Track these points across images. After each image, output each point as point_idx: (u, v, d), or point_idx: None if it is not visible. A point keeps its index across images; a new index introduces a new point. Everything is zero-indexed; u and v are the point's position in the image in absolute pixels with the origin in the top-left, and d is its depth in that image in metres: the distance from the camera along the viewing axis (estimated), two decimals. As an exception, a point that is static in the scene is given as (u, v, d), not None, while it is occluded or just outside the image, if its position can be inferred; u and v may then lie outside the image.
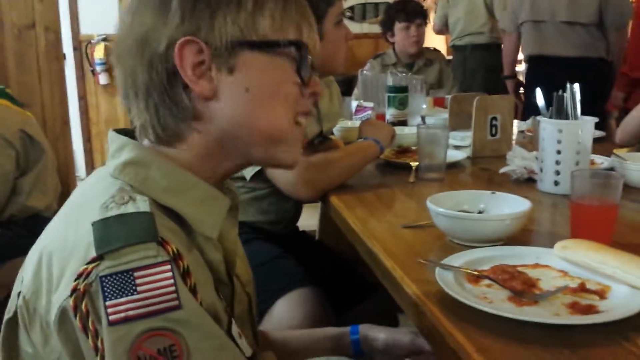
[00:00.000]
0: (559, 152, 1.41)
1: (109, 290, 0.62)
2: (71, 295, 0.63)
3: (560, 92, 1.41)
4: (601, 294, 0.85)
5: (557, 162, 1.41)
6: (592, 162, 1.62)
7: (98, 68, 5.36)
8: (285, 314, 1.50)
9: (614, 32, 3.24)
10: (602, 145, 1.88)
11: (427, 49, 3.57)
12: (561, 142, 1.40)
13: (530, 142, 2.06)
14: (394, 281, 0.99)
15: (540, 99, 1.55)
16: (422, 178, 1.60)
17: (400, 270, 1.00)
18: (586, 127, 1.42)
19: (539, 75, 3.35)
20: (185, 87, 0.75)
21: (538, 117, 1.54)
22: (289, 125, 0.81)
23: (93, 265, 0.63)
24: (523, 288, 0.87)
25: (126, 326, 0.61)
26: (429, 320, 0.84)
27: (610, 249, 0.93)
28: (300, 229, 2.02)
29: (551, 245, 0.99)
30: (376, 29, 4.27)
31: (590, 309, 0.81)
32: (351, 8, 5.96)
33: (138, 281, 0.62)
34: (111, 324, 0.61)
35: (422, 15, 3.40)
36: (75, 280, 0.63)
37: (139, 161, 0.75)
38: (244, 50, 0.75)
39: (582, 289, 0.86)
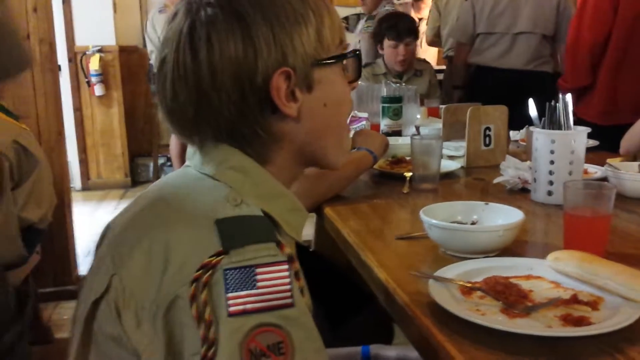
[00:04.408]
0: (552, 162, 1.41)
1: (231, 283, 0.65)
2: (191, 284, 0.65)
3: (553, 102, 1.42)
4: (593, 305, 0.85)
5: (551, 172, 1.41)
6: (586, 172, 1.63)
7: (93, 79, 5.35)
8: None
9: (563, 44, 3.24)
10: (596, 154, 1.88)
11: (417, 59, 3.55)
12: (554, 152, 1.40)
13: (524, 151, 2.06)
14: (387, 293, 0.99)
15: (532, 109, 1.56)
16: (417, 188, 1.60)
17: (394, 282, 0.99)
18: (579, 137, 1.43)
19: (486, 87, 3.39)
20: (273, 112, 0.78)
21: (531, 127, 1.55)
22: (347, 123, 0.92)
23: (218, 258, 0.66)
24: (515, 300, 0.87)
25: (243, 318, 0.64)
26: (422, 333, 0.84)
27: (602, 260, 0.93)
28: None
29: (544, 256, 0.99)
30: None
31: (582, 321, 0.81)
32: (346, 18, 5.99)
33: (258, 277, 0.66)
34: (230, 315, 0.64)
35: (413, 33, 3.36)
36: (198, 270, 0.66)
37: (240, 168, 0.79)
38: (318, 67, 0.80)
39: (575, 300, 0.86)
